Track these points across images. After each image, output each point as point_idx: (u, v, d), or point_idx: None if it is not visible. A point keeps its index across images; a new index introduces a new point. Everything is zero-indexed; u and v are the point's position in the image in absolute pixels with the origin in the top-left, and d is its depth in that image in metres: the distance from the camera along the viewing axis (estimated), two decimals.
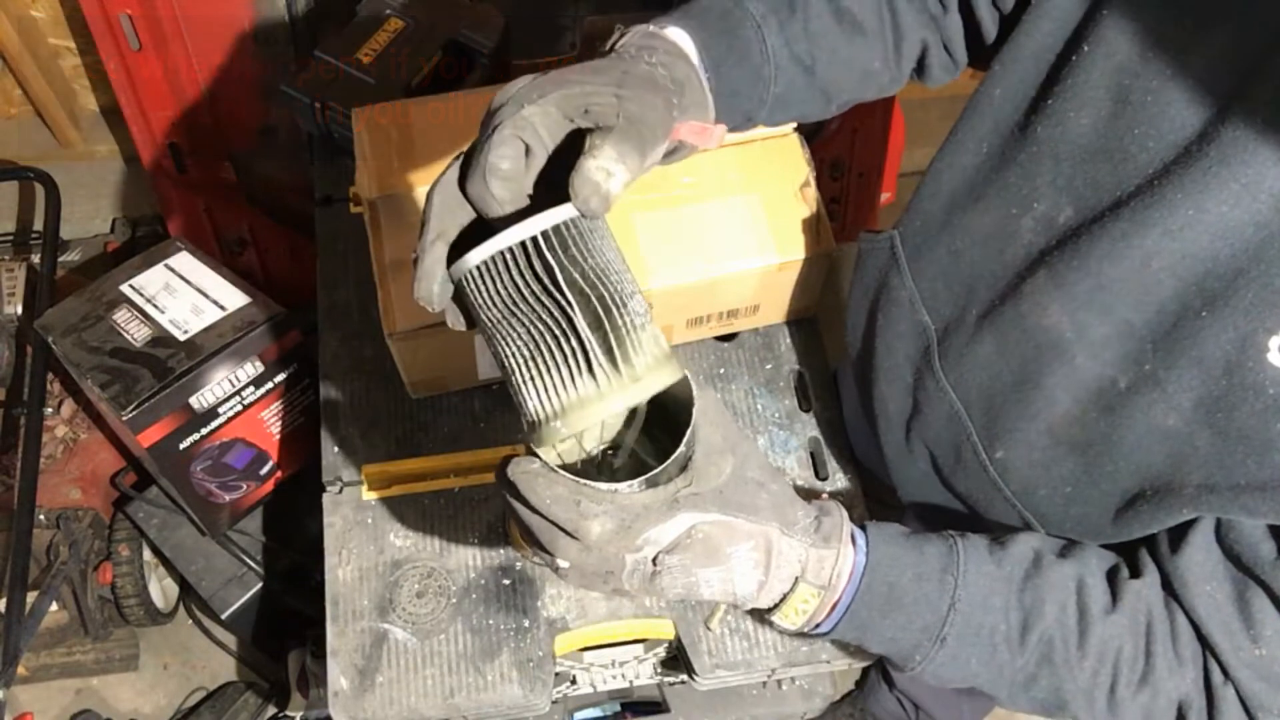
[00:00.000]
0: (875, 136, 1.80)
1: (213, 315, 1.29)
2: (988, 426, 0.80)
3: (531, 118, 0.57)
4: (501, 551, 1.02)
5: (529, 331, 0.58)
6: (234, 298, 1.31)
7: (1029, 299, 0.73)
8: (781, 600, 0.69)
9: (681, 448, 0.62)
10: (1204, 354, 0.63)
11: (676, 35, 0.70)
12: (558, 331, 0.57)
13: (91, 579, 1.67)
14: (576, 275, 0.57)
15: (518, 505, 0.62)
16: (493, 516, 1.04)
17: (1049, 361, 0.72)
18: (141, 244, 2.08)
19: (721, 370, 1.13)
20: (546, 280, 0.57)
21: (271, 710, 1.76)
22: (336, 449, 1.08)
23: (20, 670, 1.65)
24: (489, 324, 0.59)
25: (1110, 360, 0.69)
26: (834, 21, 0.78)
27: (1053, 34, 0.71)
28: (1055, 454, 0.76)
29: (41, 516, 1.61)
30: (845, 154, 1.82)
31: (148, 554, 1.71)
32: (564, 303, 0.57)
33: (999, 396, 0.78)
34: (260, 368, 1.31)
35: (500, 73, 1.30)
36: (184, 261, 1.36)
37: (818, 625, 0.71)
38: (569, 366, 0.57)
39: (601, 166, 0.55)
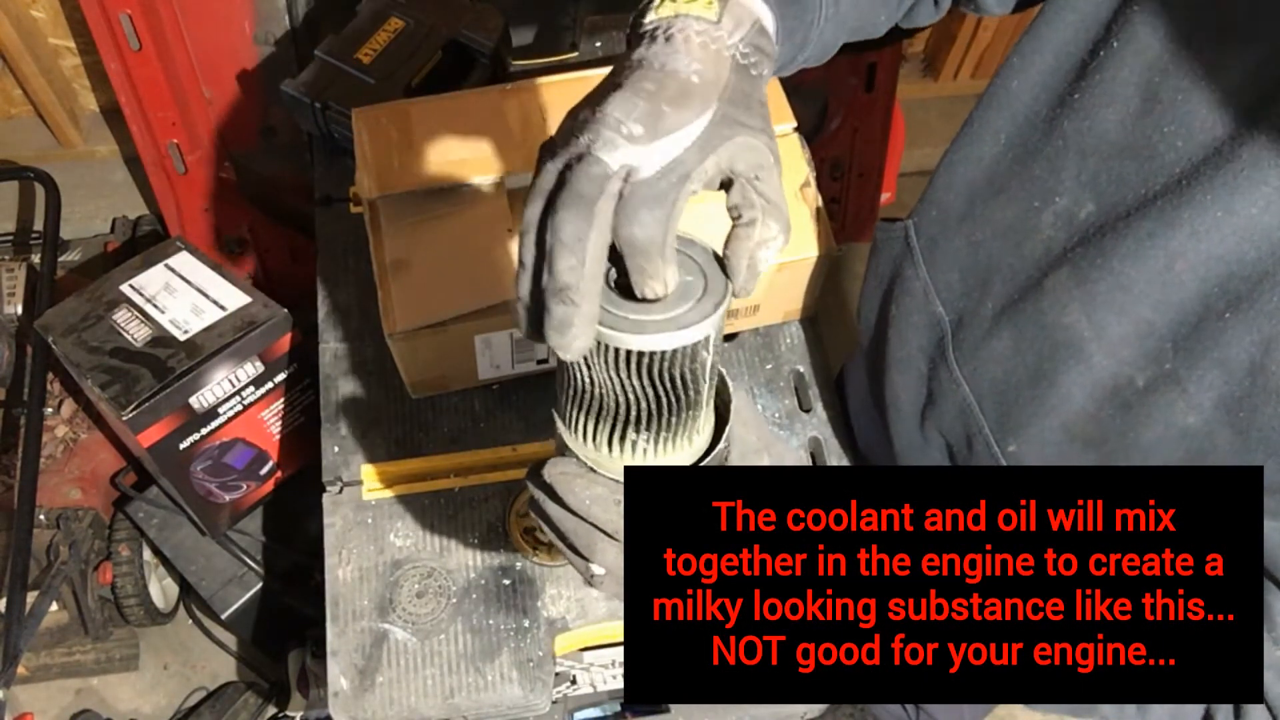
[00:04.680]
0: (875, 136, 1.80)
1: (213, 315, 1.29)
2: (1001, 420, 0.79)
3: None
4: (501, 551, 1.02)
5: (617, 398, 0.56)
6: (234, 298, 1.31)
7: (1050, 295, 0.72)
8: None
9: (720, 446, 0.61)
10: (1226, 355, 0.62)
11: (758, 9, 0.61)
12: (642, 409, 0.56)
13: (91, 579, 1.67)
14: (689, 377, 0.56)
15: (553, 508, 0.60)
16: (493, 516, 1.04)
17: (1065, 360, 0.72)
18: (141, 244, 2.08)
19: (722, 370, 1.13)
20: (664, 380, 0.55)
21: (271, 710, 1.76)
22: (336, 449, 1.08)
23: (20, 670, 1.65)
24: (581, 377, 0.57)
25: (1128, 359, 0.68)
26: None
27: (1078, 27, 0.70)
28: (1069, 450, 0.75)
29: (41, 516, 1.61)
30: (845, 154, 1.82)
31: (148, 554, 1.71)
32: (664, 394, 0.56)
33: (1013, 391, 0.77)
34: (260, 368, 1.31)
35: (500, 73, 1.30)
36: (184, 261, 1.36)
37: None
38: (637, 432, 0.58)
39: (767, 258, 0.54)
